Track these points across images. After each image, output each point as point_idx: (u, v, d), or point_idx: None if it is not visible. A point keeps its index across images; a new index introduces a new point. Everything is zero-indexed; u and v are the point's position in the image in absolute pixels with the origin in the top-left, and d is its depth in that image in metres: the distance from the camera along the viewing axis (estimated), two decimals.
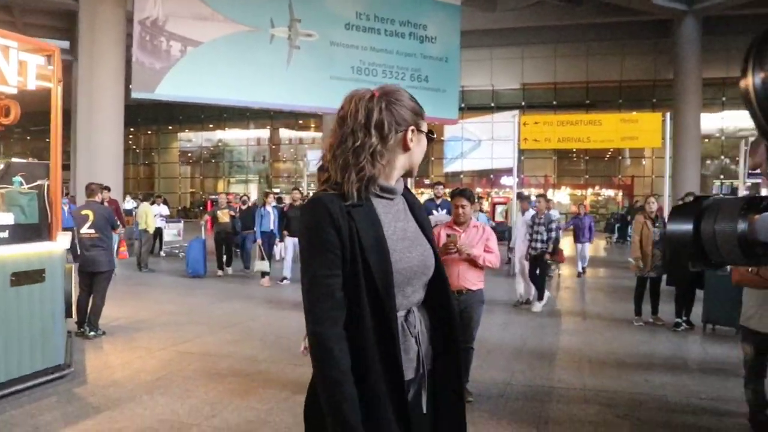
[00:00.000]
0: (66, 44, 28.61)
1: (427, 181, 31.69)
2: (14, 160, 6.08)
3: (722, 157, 30.75)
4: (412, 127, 1.70)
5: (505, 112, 30.83)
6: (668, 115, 12.09)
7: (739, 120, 29.91)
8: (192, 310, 8.75)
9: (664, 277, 8.24)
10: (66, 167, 10.60)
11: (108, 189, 10.90)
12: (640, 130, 11.84)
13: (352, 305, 1.59)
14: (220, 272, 12.40)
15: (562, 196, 33.27)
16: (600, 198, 33.14)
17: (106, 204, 8.80)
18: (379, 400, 1.57)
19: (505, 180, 30.63)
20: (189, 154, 41.83)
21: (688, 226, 1.17)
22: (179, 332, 7.27)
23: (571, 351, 6.75)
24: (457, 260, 4.86)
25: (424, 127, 1.75)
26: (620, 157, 32.02)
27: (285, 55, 17.47)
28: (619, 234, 23.55)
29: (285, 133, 39.37)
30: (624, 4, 23.74)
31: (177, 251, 15.80)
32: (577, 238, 13.33)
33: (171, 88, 16.12)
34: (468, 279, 4.89)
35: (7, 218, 5.04)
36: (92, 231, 6.86)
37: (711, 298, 7.55)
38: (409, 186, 1.85)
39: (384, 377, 1.58)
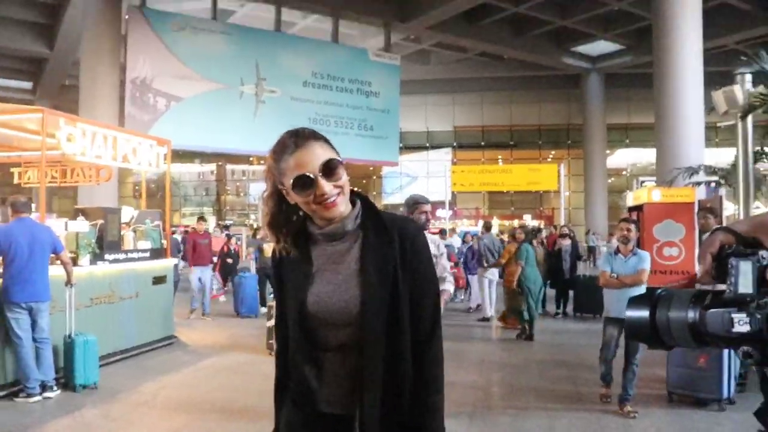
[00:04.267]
0: (29, 85, 31.70)
1: None
2: (140, 210, 9.65)
3: (627, 191, 36.23)
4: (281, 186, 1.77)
5: (440, 150, 35.69)
6: (562, 165, 16.58)
7: (639, 157, 35.82)
8: (226, 312, 12.47)
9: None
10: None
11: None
12: (541, 176, 16.35)
13: (288, 338, 1.90)
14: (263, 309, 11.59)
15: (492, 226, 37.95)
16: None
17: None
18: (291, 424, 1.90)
19: (439, 212, 35.08)
20: (137, 187, 44.69)
21: (644, 313, 1.31)
22: (227, 325, 11.01)
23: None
24: None
25: (287, 181, 1.73)
26: (542, 192, 37.12)
27: (252, 108, 21.29)
28: None
29: (231, 168, 42.96)
30: (539, 61, 28.73)
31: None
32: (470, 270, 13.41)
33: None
34: None
35: (148, 245, 8.77)
36: None
37: (578, 295, 11.84)
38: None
39: (295, 403, 1.89)
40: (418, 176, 35.96)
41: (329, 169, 1.71)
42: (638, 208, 14.85)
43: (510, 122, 35.20)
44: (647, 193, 14.17)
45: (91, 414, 5.92)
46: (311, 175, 1.69)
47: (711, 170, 12.99)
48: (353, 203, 1.82)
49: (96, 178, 10.52)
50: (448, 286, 4.93)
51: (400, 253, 1.79)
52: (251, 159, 40.31)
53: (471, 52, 29.41)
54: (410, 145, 34.84)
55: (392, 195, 36.45)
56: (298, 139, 1.74)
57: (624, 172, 36.90)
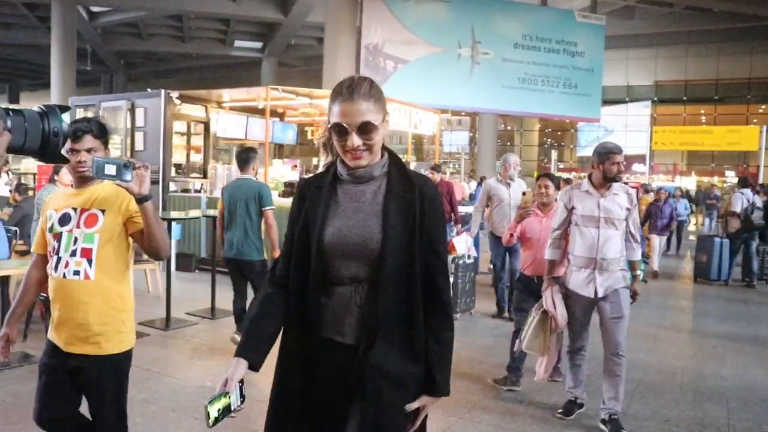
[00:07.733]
0: (259, 45, 37.26)
1: (561, 165, 38.00)
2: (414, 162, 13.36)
3: None
4: (328, 126, 1.96)
5: (638, 103, 36.85)
6: (765, 127, 18.17)
7: None
8: None
9: None
10: None
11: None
12: (741, 137, 18.18)
13: (296, 265, 2.03)
14: None
15: (689, 182, 38.45)
16: (726, 185, 38.27)
17: None
18: (291, 352, 2.03)
19: (636, 167, 36.44)
20: None
21: None
22: None
23: None
24: (538, 244, 5.06)
25: (335, 119, 1.92)
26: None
27: (468, 69, 24.53)
28: None
29: None
30: (754, 12, 28.72)
31: None
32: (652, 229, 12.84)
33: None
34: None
35: None
36: None
37: None
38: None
39: (300, 332, 2.01)
40: (614, 129, 37.37)
41: (364, 129, 1.90)
42: None
43: (716, 76, 35.53)
44: None
45: None
46: (347, 127, 1.90)
47: None
48: (381, 155, 2.03)
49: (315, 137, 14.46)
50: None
51: (419, 207, 1.97)
52: (448, 111, 43.70)
53: (677, 7, 30.35)
54: (609, 99, 36.37)
55: (587, 148, 38.15)
56: (351, 92, 1.91)
57: None
